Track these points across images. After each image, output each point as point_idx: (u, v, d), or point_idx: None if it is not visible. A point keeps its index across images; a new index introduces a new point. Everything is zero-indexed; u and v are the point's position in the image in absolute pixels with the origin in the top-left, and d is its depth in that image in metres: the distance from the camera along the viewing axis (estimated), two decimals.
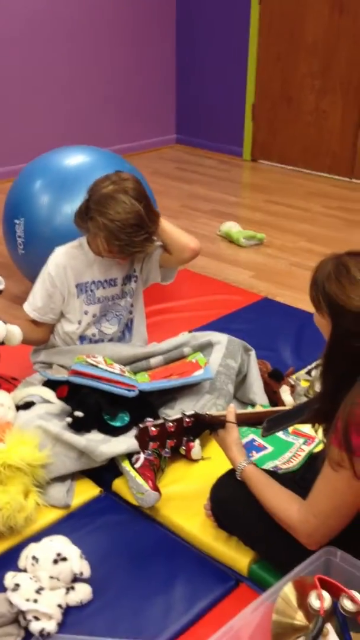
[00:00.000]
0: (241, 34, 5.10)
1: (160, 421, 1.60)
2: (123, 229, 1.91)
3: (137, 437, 1.60)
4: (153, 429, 1.58)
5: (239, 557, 1.66)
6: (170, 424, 1.60)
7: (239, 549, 1.67)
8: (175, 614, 1.53)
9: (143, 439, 1.60)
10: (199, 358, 2.11)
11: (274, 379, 2.24)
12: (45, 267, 2.12)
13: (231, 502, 1.65)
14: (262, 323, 2.81)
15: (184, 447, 1.88)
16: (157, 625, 1.50)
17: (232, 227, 3.87)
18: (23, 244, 2.78)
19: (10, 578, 1.51)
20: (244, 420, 1.69)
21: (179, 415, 1.61)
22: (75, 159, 2.82)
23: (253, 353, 2.24)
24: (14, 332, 1.97)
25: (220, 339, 2.17)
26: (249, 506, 1.57)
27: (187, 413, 1.62)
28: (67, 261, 2.09)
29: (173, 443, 1.62)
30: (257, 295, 3.15)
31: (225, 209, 4.38)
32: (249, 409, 2.09)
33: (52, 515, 1.79)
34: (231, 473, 1.65)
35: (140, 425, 1.59)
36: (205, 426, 1.68)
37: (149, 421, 1.59)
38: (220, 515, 1.70)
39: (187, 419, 1.61)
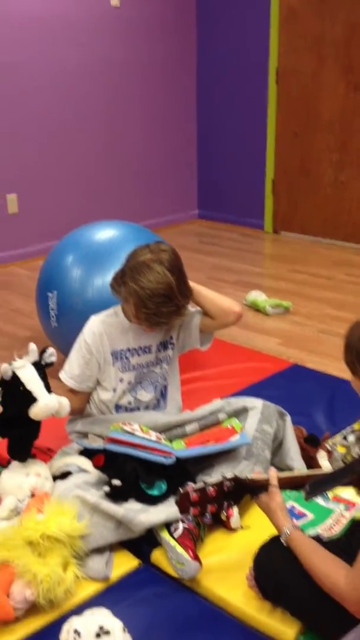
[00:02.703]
0: (260, 112, 5.31)
1: (200, 485, 1.59)
2: (152, 297, 1.95)
3: (178, 503, 1.59)
4: (194, 494, 1.57)
5: (284, 629, 1.60)
6: (211, 488, 1.58)
7: (285, 620, 1.61)
8: None
9: (184, 504, 1.58)
10: (234, 424, 2.10)
11: (310, 444, 2.21)
12: (81, 335, 2.15)
13: (276, 570, 1.61)
14: (293, 389, 2.80)
15: (224, 513, 1.84)
16: None
17: (258, 296, 3.91)
18: (56, 317, 2.83)
19: None
20: (285, 484, 1.67)
21: (219, 479, 1.60)
22: (106, 233, 2.91)
23: (288, 418, 2.22)
24: (64, 404, 1.98)
25: (255, 404, 2.17)
26: (295, 574, 1.53)
27: (228, 476, 1.61)
28: (103, 329, 2.13)
29: (214, 509, 1.60)
30: (286, 362, 3.15)
31: (250, 279, 4.44)
32: (290, 472, 2.05)
33: (92, 588, 1.76)
34: (275, 540, 1.62)
35: (181, 490, 1.58)
36: (246, 490, 1.66)
37: (190, 486, 1.58)
38: (265, 585, 1.65)
39: (228, 483, 1.60)
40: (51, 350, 2.03)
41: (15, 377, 1.93)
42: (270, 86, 5.20)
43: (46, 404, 1.92)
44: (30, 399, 1.92)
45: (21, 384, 1.92)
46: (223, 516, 1.91)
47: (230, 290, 4.11)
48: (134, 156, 5.40)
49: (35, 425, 1.99)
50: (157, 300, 1.95)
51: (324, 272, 4.56)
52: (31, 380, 1.93)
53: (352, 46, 4.74)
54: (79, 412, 2.21)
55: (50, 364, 2.02)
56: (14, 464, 1.98)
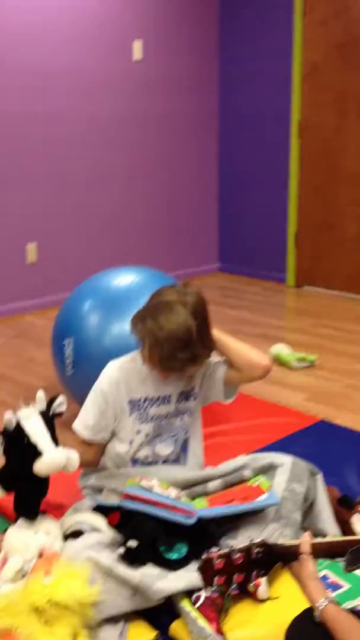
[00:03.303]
0: (282, 165, 5.27)
1: (226, 551, 1.42)
2: (168, 340, 1.82)
3: (201, 571, 1.42)
4: (218, 560, 1.40)
5: None
6: (238, 554, 1.41)
7: None
8: None
9: (208, 572, 1.41)
10: (261, 482, 1.93)
11: (344, 507, 2.03)
12: (97, 383, 2.02)
13: None
14: (321, 447, 2.63)
15: (253, 584, 1.65)
16: None
17: (282, 349, 3.77)
18: (72, 365, 2.70)
19: None
20: (320, 551, 1.49)
21: (246, 545, 1.43)
22: (125, 279, 2.81)
23: (320, 477, 2.05)
24: (72, 459, 1.84)
25: (284, 460, 2.00)
26: None
27: (256, 541, 1.44)
28: (120, 376, 2.00)
29: (241, 578, 1.42)
30: (313, 417, 2.98)
31: (274, 332, 4.30)
32: (325, 539, 1.87)
33: None
34: (308, 614, 1.43)
35: (204, 557, 1.41)
36: (277, 558, 1.48)
37: (214, 552, 1.41)
38: None
39: (256, 549, 1.43)
40: (61, 399, 1.90)
41: (19, 428, 1.79)
42: (292, 140, 5.18)
43: (52, 458, 1.77)
44: (35, 452, 1.78)
45: (25, 435, 1.78)
46: (251, 587, 1.73)
47: (253, 343, 3.95)
48: (155, 209, 5.37)
49: (43, 480, 1.84)
50: (174, 343, 1.82)
51: (349, 326, 4.41)
52: (36, 431, 1.79)
53: None
54: (93, 465, 2.06)
55: (60, 414, 1.89)
56: (22, 520, 1.82)
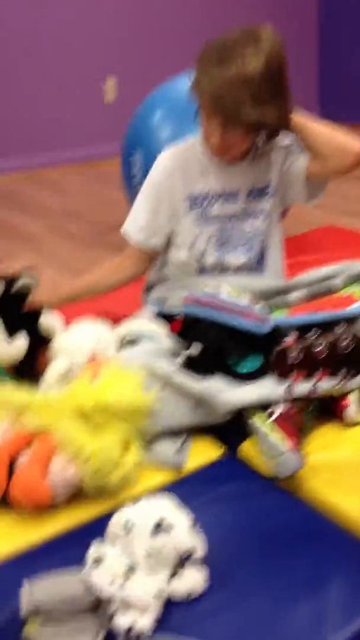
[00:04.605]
0: None
1: (307, 342, 1.12)
2: (225, 74, 1.46)
3: (273, 364, 1.13)
4: (296, 351, 1.11)
5: None
6: (320, 347, 1.11)
7: None
8: (328, 626, 1.03)
9: (282, 365, 1.12)
10: (356, 290, 1.59)
11: None
12: (149, 176, 1.71)
13: None
14: None
15: (340, 384, 1.30)
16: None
17: None
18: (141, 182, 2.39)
19: (91, 552, 1.08)
20: None
21: (334, 335, 1.12)
22: None
23: None
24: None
25: None
26: None
27: (344, 333, 1.13)
28: (176, 165, 1.67)
29: (325, 374, 1.13)
30: None
31: None
32: None
33: (158, 479, 1.34)
34: None
35: (278, 348, 1.12)
36: None
37: (291, 339, 1.11)
38: None
39: (346, 341, 1.12)
40: (28, 275, 1.59)
41: None
42: None
43: None
44: None
45: None
46: (336, 391, 1.40)
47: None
48: None
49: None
50: (233, 79, 1.46)
51: None
52: None
53: None
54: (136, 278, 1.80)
55: (24, 295, 1.59)
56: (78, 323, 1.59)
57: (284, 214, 2.08)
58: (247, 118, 1.52)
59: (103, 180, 4.01)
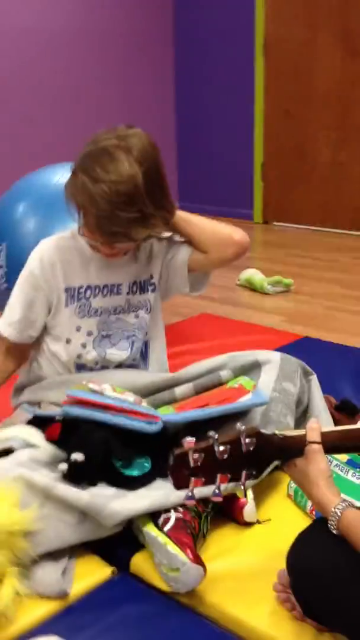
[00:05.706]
0: (246, 87, 4.83)
1: (207, 443, 1.02)
2: (107, 195, 1.38)
3: (171, 470, 1.02)
4: (196, 454, 1.00)
5: None
6: (222, 447, 1.02)
7: None
8: None
9: (180, 472, 1.01)
10: (243, 382, 1.53)
11: (344, 413, 1.66)
12: (26, 266, 1.59)
13: (323, 572, 1.04)
14: (310, 361, 2.23)
15: (242, 486, 1.21)
16: None
17: (253, 274, 3.37)
18: (6, 276, 2.26)
19: None
20: (332, 442, 1.10)
21: (233, 434, 1.03)
22: (64, 176, 2.35)
23: (314, 378, 1.67)
24: None
25: (271, 357, 1.61)
26: (356, 576, 0.97)
27: (246, 428, 1.04)
28: (56, 256, 1.57)
29: (226, 479, 1.03)
30: (295, 335, 2.60)
31: (242, 262, 3.89)
32: (336, 427, 1.45)
33: (41, 610, 1.17)
34: (319, 525, 1.06)
35: (176, 451, 1.01)
36: (274, 454, 1.09)
37: (189, 441, 1.01)
38: (306, 596, 1.08)
39: (247, 440, 1.03)
40: None
41: None
42: (257, 58, 4.73)
43: None
44: None
45: None
46: (240, 493, 1.32)
47: (220, 272, 3.55)
48: None
49: None
50: (114, 199, 1.38)
51: (325, 255, 4.04)
52: None
53: (348, 7, 4.29)
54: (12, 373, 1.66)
55: None
56: None
57: None
58: (137, 236, 1.47)
59: None
